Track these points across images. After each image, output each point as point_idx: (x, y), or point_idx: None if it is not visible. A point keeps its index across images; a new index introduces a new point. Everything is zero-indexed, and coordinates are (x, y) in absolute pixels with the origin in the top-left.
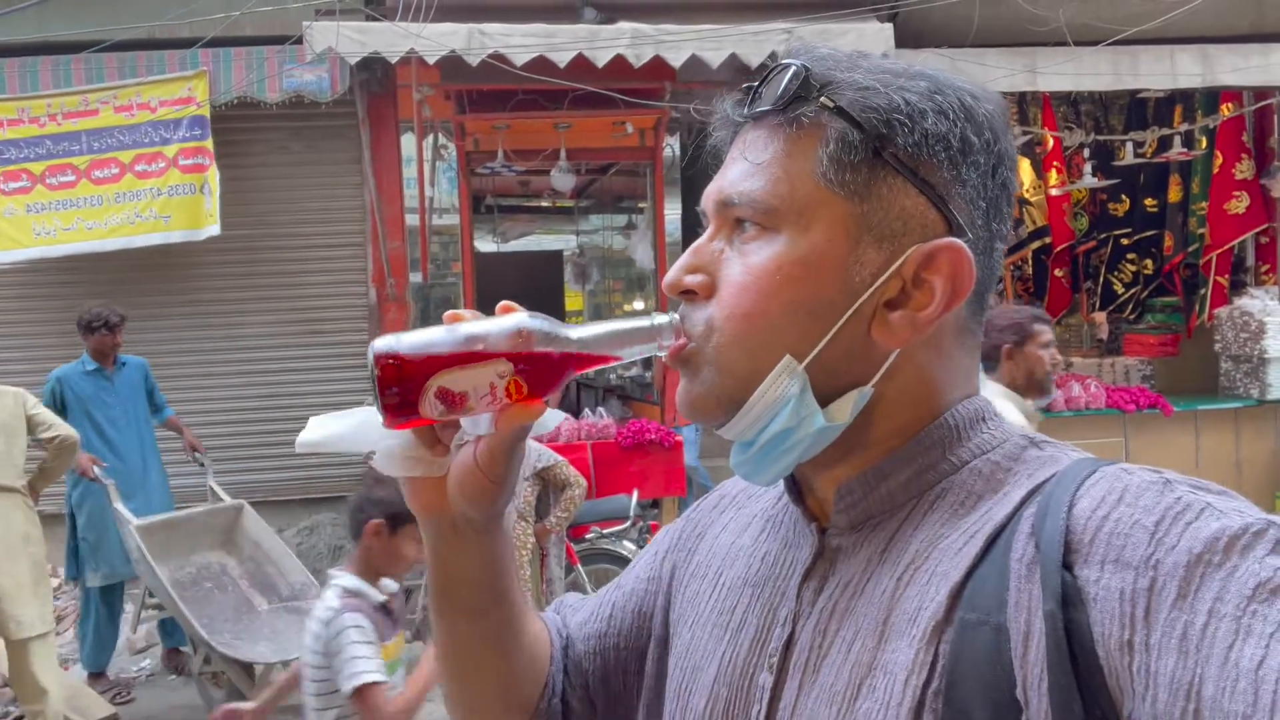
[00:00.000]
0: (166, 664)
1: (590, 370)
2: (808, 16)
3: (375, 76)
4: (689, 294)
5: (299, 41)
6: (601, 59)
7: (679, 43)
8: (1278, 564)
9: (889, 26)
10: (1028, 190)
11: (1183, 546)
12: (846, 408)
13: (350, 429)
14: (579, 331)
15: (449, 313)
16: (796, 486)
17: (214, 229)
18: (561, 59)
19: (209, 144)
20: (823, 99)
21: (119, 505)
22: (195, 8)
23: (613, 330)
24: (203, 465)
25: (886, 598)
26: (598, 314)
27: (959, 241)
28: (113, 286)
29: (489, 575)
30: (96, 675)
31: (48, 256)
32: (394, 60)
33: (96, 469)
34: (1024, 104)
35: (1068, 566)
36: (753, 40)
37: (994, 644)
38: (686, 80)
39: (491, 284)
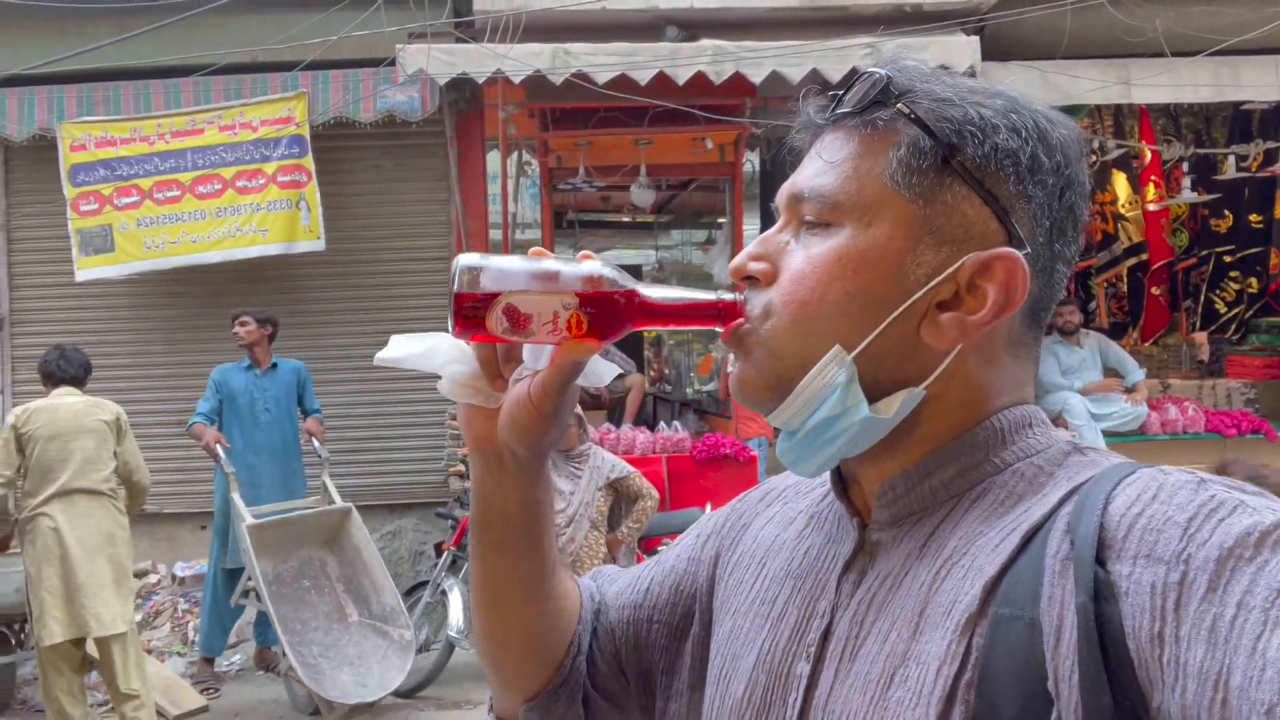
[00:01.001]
0: (257, 661)
1: (654, 329)
2: (892, 31)
3: (464, 96)
4: (751, 280)
5: (392, 64)
6: (682, 76)
7: (759, 59)
8: None
9: (975, 39)
10: (1123, 205)
11: (1214, 542)
12: (894, 405)
13: (423, 350)
14: (648, 290)
15: (534, 248)
16: (842, 482)
17: (316, 243)
18: (643, 77)
19: (307, 161)
20: (899, 105)
21: (236, 496)
22: (296, 33)
23: (680, 296)
24: (321, 458)
25: (923, 591)
26: (673, 333)
27: (1016, 253)
28: (215, 298)
29: (525, 516)
30: (208, 660)
31: (157, 269)
32: (481, 80)
33: (221, 451)
34: (1120, 116)
35: (1101, 562)
36: (835, 55)
37: (1027, 638)
38: (766, 96)
39: None
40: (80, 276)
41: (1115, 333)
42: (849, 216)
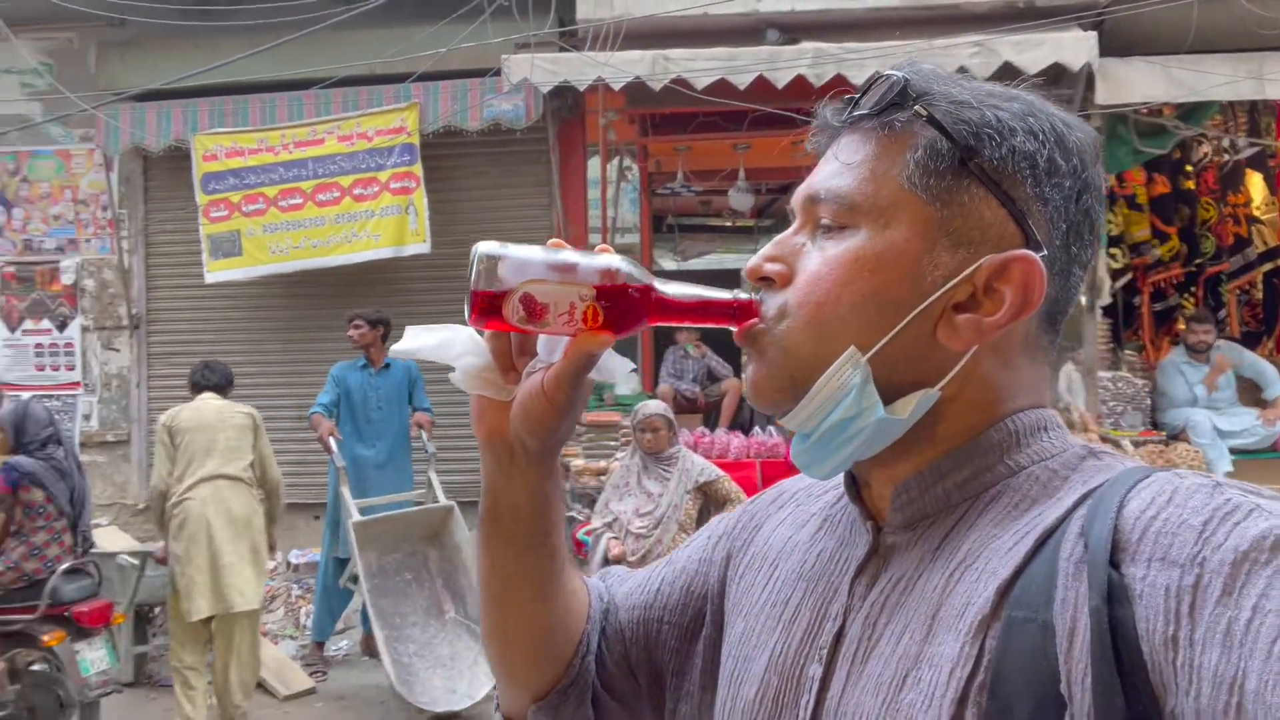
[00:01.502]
0: (363, 647)
1: (669, 324)
2: (1003, 28)
3: (566, 104)
4: (767, 281)
5: (498, 74)
6: (782, 80)
7: (862, 61)
8: None
9: (1093, 35)
10: (1258, 207)
11: (1229, 545)
12: (909, 406)
13: (439, 342)
14: (665, 286)
15: (552, 240)
16: (855, 485)
17: (422, 247)
18: (742, 81)
19: (416, 169)
20: (917, 108)
21: (345, 490)
22: (408, 45)
23: (696, 294)
24: (428, 454)
25: (936, 594)
26: None
27: (1033, 255)
28: (330, 299)
29: (534, 510)
30: (318, 645)
31: (281, 272)
32: (582, 88)
33: (334, 445)
34: (1255, 113)
35: (1115, 565)
36: (941, 54)
37: (1040, 640)
38: None
39: None
40: (210, 279)
41: (1248, 342)
42: (865, 218)
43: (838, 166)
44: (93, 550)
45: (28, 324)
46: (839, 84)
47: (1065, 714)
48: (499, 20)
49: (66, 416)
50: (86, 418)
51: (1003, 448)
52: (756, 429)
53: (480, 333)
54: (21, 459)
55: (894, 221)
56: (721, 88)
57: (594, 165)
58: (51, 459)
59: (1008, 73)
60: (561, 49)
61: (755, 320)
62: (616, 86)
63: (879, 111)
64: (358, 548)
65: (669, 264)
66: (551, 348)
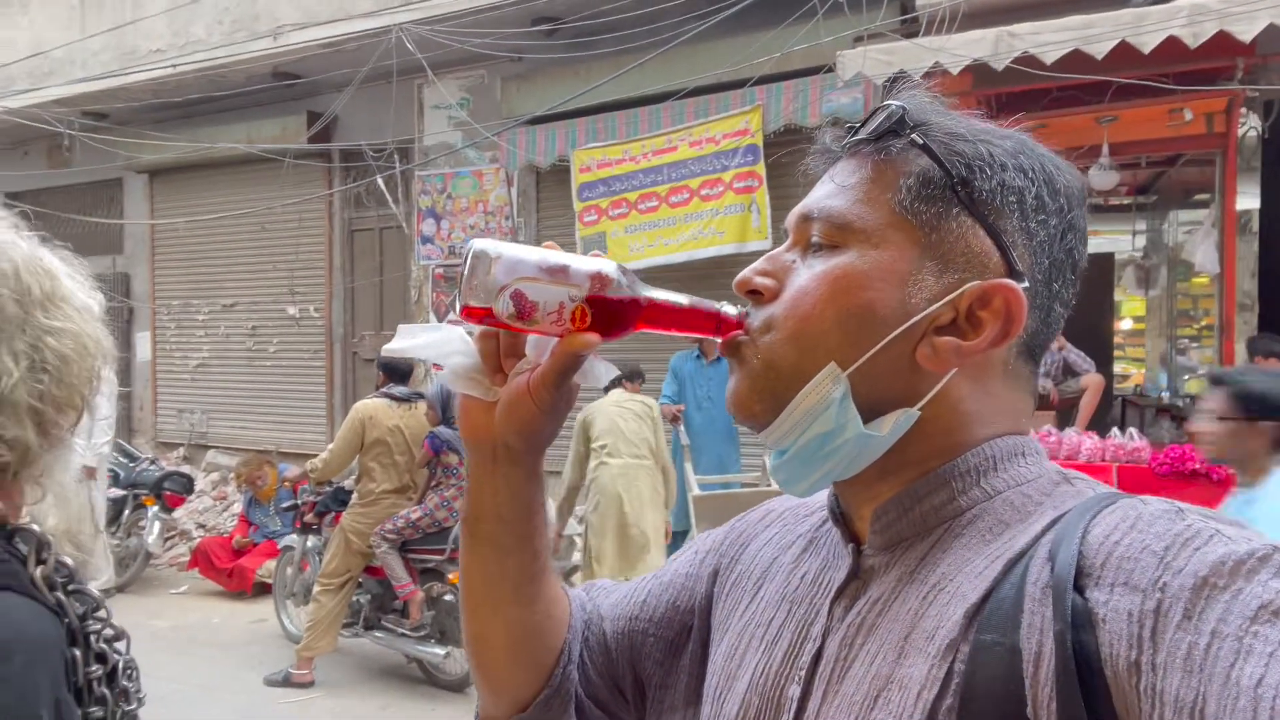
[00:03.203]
0: None
1: (660, 330)
2: None
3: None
4: (755, 294)
5: (832, 69)
6: (1149, 45)
7: (1252, 12)
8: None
9: None
10: None
11: (1189, 570)
12: (888, 424)
13: (430, 341)
14: (653, 292)
15: (547, 242)
16: (839, 507)
17: (763, 243)
18: (1099, 51)
19: (759, 168)
20: (914, 136)
21: (687, 466)
22: (752, 51)
23: (684, 302)
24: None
25: (910, 616)
26: (1161, 327)
27: (1016, 285)
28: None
29: (516, 512)
30: None
31: (635, 269)
32: (918, 76)
33: (679, 423)
34: None
35: (1079, 590)
36: None
37: (1007, 664)
38: (1265, 54)
39: None
40: None
41: None
42: (856, 238)
43: (833, 188)
44: None
45: (451, 316)
46: (1222, 41)
47: None
48: (838, 16)
49: None
50: None
51: (979, 472)
52: (1115, 430)
53: (471, 333)
54: (443, 429)
55: (883, 243)
56: (1075, 59)
57: None
58: None
59: None
60: (903, 37)
61: (739, 331)
62: (954, 71)
63: (876, 138)
64: (695, 519)
65: None
66: (540, 350)
